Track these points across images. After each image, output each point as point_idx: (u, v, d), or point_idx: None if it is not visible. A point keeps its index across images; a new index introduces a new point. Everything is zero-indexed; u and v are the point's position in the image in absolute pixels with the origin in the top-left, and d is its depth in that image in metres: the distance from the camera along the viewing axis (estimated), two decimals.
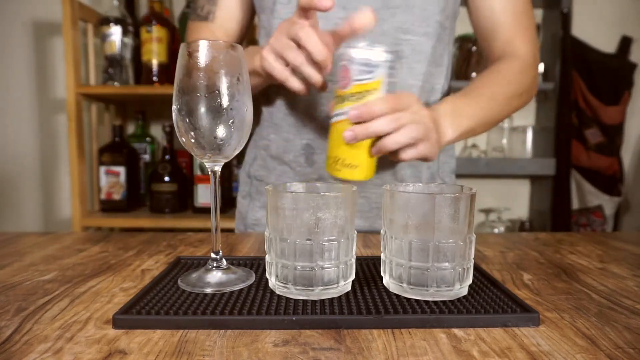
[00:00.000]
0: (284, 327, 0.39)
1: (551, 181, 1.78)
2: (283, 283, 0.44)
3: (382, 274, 0.47)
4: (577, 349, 0.35)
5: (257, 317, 0.39)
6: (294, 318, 0.39)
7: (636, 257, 0.63)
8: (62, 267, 0.56)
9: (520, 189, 1.97)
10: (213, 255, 0.50)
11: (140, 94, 1.57)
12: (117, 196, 1.61)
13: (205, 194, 1.58)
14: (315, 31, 0.58)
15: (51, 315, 0.41)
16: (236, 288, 0.46)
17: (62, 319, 0.40)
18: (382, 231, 0.47)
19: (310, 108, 0.75)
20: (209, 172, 0.49)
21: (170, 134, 1.61)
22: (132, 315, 0.39)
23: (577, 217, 1.85)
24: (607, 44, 1.86)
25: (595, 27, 1.86)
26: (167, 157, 1.62)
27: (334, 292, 0.44)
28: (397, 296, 0.44)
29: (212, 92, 0.44)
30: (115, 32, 1.56)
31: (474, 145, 1.86)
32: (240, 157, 0.93)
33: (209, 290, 0.45)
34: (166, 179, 1.60)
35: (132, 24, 1.61)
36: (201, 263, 0.55)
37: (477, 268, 0.52)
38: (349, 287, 0.46)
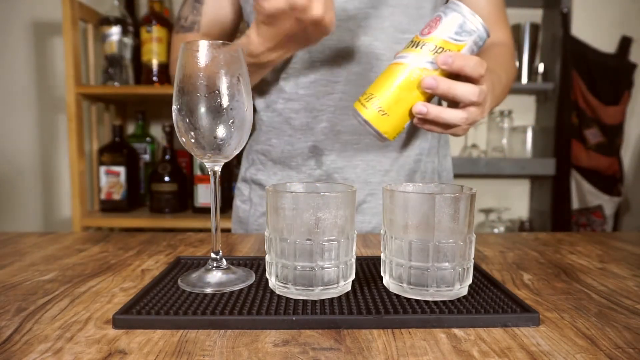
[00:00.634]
0: (284, 327, 0.39)
1: (551, 181, 1.78)
2: (283, 283, 0.44)
3: (382, 274, 0.47)
4: (577, 349, 0.35)
5: (257, 317, 0.39)
6: (294, 318, 0.39)
7: (636, 257, 0.63)
8: (62, 267, 0.56)
9: (520, 189, 1.97)
10: (213, 255, 0.50)
11: (140, 94, 1.57)
12: (117, 196, 1.61)
13: (205, 194, 1.58)
14: None
15: (51, 315, 0.41)
16: (236, 288, 0.46)
17: (62, 319, 0.41)
18: (382, 231, 0.47)
19: (311, 109, 0.75)
20: (209, 172, 0.49)
21: (170, 134, 1.61)
22: (132, 315, 0.39)
23: (577, 217, 1.85)
24: (607, 44, 1.86)
25: (595, 27, 1.86)
26: (167, 157, 1.62)
27: (334, 292, 0.44)
28: (397, 296, 0.44)
29: (212, 92, 0.44)
30: (115, 32, 1.56)
31: (474, 145, 1.85)
32: (240, 158, 0.92)
33: (209, 290, 0.45)
34: (166, 179, 1.60)
35: (132, 24, 1.61)
36: (201, 263, 0.55)
37: (477, 268, 0.52)
38: (349, 287, 0.46)
